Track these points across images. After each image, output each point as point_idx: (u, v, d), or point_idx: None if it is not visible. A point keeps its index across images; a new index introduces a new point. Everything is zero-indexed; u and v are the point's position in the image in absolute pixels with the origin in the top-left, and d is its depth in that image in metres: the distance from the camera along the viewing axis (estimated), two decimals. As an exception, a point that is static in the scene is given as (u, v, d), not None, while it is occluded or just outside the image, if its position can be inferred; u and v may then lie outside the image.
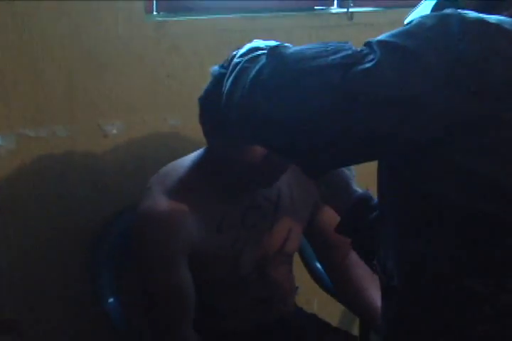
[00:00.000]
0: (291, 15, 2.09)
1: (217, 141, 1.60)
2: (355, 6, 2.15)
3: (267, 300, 1.77)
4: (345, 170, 1.48)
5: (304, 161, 1.21)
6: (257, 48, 1.25)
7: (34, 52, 1.79)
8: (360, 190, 1.46)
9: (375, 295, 1.80)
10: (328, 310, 2.19)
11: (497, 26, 1.04)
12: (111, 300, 1.83)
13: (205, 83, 1.97)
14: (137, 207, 1.64)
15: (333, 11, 2.15)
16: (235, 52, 1.46)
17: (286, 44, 1.33)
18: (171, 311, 1.60)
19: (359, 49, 1.09)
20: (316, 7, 2.15)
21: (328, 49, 1.10)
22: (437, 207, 1.08)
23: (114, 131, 1.91)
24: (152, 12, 1.95)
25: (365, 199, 1.43)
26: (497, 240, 1.07)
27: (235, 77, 1.19)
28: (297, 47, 1.16)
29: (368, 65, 1.04)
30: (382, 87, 1.04)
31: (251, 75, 1.14)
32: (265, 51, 1.19)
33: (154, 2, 1.95)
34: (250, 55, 1.21)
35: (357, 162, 1.20)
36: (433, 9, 1.18)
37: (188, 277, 1.60)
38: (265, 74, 1.12)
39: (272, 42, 1.33)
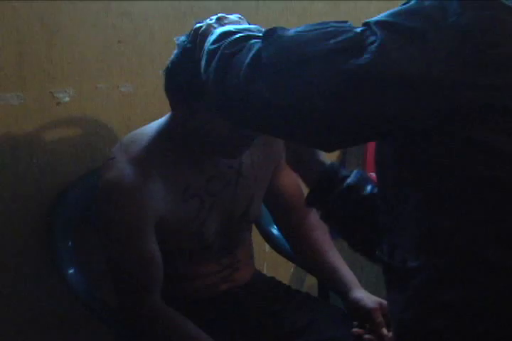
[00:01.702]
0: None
1: (184, 112, 1.57)
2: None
3: (232, 266, 1.79)
4: None
5: (309, 143, 1.22)
6: (230, 33, 1.23)
7: (-18, 18, 1.73)
8: (327, 162, 1.47)
9: (334, 257, 1.85)
10: (278, 273, 2.23)
11: (497, 0, 1.05)
12: (71, 271, 1.80)
13: (155, 49, 1.97)
14: (101, 178, 1.60)
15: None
16: (198, 25, 1.45)
17: (255, 26, 1.32)
18: (139, 280, 1.59)
19: (359, 30, 1.08)
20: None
21: (328, 31, 1.09)
22: (461, 181, 1.07)
23: (67, 99, 1.87)
24: (103, -23, 1.90)
25: (333, 170, 1.43)
26: None
27: (220, 65, 1.17)
28: (294, 30, 1.14)
29: (371, 48, 1.04)
30: (389, 69, 1.03)
31: (246, 61, 1.12)
32: (243, 35, 1.18)
33: (104, -34, 1.91)
34: (229, 40, 1.20)
35: (364, 142, 1.22)
36: None
37: (156, 246, 1.60)
38: (265, 59, 1.10)
39: (242, 26, 1.32)
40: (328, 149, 1.21)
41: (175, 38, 1.56)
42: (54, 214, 1.86)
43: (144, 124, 1.70)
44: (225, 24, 1.37)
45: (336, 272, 1.81)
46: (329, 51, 1.07)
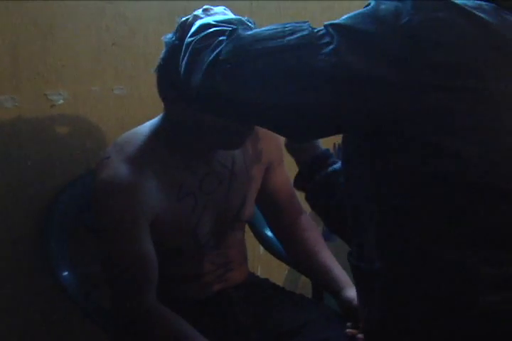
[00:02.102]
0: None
1: (177, 109, 1.58)
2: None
3: (225, 266, 1.79)
4: None
5: (276, 132, 1.24)
6: (208, 25, 1.25)
7: (-24, 20, 1.73)
8: (322, 148, 1.52)
9: (326, 257, 1.85)
10: (272, 275, 2.23)
11: (450, 3, 1.07)
12: (65, 273, 1.80)
13: (149, 51, 1.97)
14: (96, 177, 1.60)
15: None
16: (183, 19, 1.48)
17: (236, 17, 1.34)
18: (134, 280, 1.59)
19: (316, 30, 1.11)
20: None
21: (286, 29, 1.12)
22: (415, 183, 1.09)
23: (61, 101, 1.87)
24: (96, -21, 1.91)
25: (324, 156, 1.49)
26: (482, 212, 1.08)
27: (189, 59, 1.21)
28: (256, 29, 1.18)
29: (326, 50, 1.06)
30: (341, 71, 1.06)
31: (209, 58, 1.15)
32: (217, 29, 1.21)
33: (98, -31, 1.91)
34: (202, 34, 1.22)
35: (322, 136, 1.24)
36: None
37: (151, 245, 1.60)
38: (223, 55, 1.13)
39: (221, 17, 1.34)
40: (294, 140, 1.30)
41: (163, 37, 1.57)
42: (49, 216, 1.86)
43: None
44: (211, 15, 1.39)
45: (328, 272, 1.82)
46: (282, 47, 1.10)
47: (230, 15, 1.40)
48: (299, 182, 1.53)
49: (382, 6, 1.07)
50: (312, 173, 1.48)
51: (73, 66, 1.88)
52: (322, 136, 1.26)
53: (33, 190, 1.87)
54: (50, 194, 1.88)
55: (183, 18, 1.48)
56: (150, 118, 1.70)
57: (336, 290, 1.78)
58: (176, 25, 1.51)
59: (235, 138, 1.61)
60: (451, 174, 1.07)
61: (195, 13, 1.43)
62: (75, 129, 1.92)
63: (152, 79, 1.61)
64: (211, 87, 1.14)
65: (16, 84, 1.80)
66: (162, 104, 1.61)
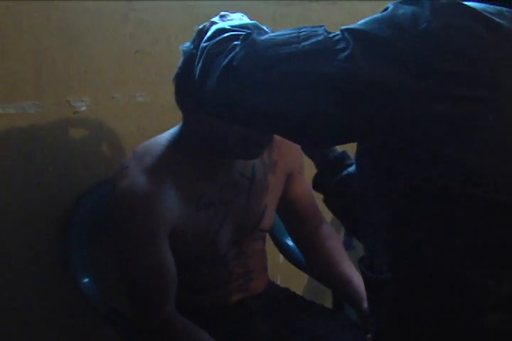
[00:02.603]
0: (256, -9, 2.09)
1: (195, 118, 1.58)
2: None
3: (245, 276, 1.78)
4: None
5: (288, 137, 1.22)
6: (223, 30, 1.24)
7: (1, 28, 1.73)
8: (339, 150, 1.51)
9: (347, 267, 1.84)
10: (292, 284, 2.22)
11: (469, 8, 1.04)
12: (86, 280, 1.81)
13: (172, 59, 1.96)
14: (114, 187, 1.60)
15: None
16: (201, 27, 1.47)
17: (252, 22, 1.33)
18: (152, 290, 1.59)
19: (331, 35, 1.08)
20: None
21: (301, 35, 1.10)
22: (428, 193, 1.07)
23: (84, 108, 1.87)
24: (120, -14, 1.91)
25: (341, 158, 1.48)
26: (492, 227, 1.06)
27: (204, 63, 1.19)
28: (271, 34, 1.16)
29: (341, 56, 1.04)
30: (357, 78, 1.04)
31: (223, 63, 1.13)
32: (232, 33, 1.19)
33: (122, -23, 1.92)
34: (217, 39, 1.21)
35: (336, 144, 1.26)
36: None
37: (169, 255, 1.59)
38: (237, 61, 1.11)
39: (237, 22, 1.34)
40: (306, 146, 1.27)
41: (180, 46, 1.57)
42: (69, 222, 1.86)
43: (160, 134, 1.70)
44: (227, 21, 1.38)
45: (349, 282, 1.80)
46: (297, 53, 1.08)
47: (246, 21, 1.39)
48: (318, 184, 1.52)
49: (400, 11, 1.05)
50: (329, 176, 1.47)
51: (96, 73, 1.88)
52: (334, 145, 1.25)
53: (54, 196, 1.88)
54: (71, 200, 1.88)
55: (201, 26, 1.48)
56: (171, 126, 1.70)
57: (356, 301, 1.76)
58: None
59: (253, 148, 1.60)
60: (459, 186, 1.05)
61: (212, 19, 1.43)
62: (96, 136, 1.92)
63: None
64: (225, 92, 1.13)
65: (39, 90, 1.81)
66: (184, 112, 1.61)
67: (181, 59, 1.57)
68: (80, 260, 1.83)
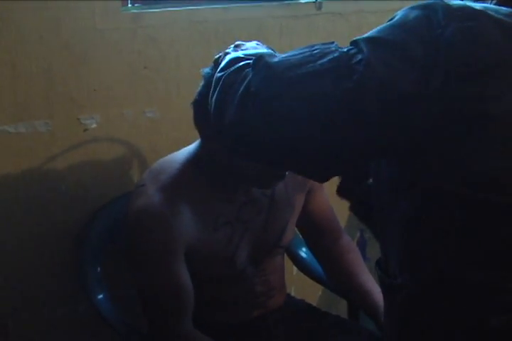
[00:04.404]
0: (262, 6, 2.08)
1: (213, 145, 1.56)
2: (323, -5, 2.17)
3: (266, 294, 1.78)
4: None
5: (307, 172, 1.18)
6: (238, 59, 1.20)
7: (11, 47, 1.75)
8: None
9: (367, 280, 1.84)
10: (306, 296, 2.22)
11: (482, 12, 1.04)
12: (100, 296, 1.81)
13: (181, 75, 1.98)
14: (131, 205, 1.60)
15: (303, 1, 2.17)
16: (216, 57, 1.45)
17: (267, 51, 1.32)
18: (169, 307, 1.59)
19: (345, 49, 1.06)
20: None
21: (314, 53, 1.07)
22: (438, 200, 1.06)
23: (94, 125, 1.89)
24: (127, 4, 1.92)
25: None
26: (499, 231, 1.05)
27: (220, 94, 1.15)
28: (282, 55, 1.12)
29: (359, 68, 1.02)
30: (377, 86, 1.01)
31: (240, 91, 1.09)
32: (247, 62, 1.15)
33: (129, -6, 1.93)
34: (232, 69, 1.17)
35: (360, 167, 1.20)
36: None
37: (186, 274, 1.58)
38: (254, 87, 1.07)
39: (252, 51, 1.31)
40: (326, 177, 1.16)
41: (201, 70, 1.56)
42: (83, 240, 1.87)
43: (172, 150, 1.70)
44: (242, 50, 1.35)
45: (368, 295, 1.80)
46: (315, 73, 1.04)
47: (261, 49, 1.37)
48: (341, 191, 1.46)
49: (412, 15, 1.04)
50: (351, 183, 1.43)
51: (105, 90, 1.89)
52: (349, 171, 1.23)
53: (67, 214, 1.89)
54: (85, 217, 1.89)
55: (216, 56, 1.45)
56: (182, 141, 1.71)
57: (375, 314, 1.76)
58: (209, 51, 1.50)
59: (266, 182, 1.60)
60: (470, 194, 1.03)
61: (227, 50, 1.39)
62: (108, 152, 1.93)
63: (184, 101, 1.62)
64: (244, 122, 1.08)
65: (50, 109, 1.82)
66: (194, 127, 1.60)
67: (201, 84, 1.55)
68: (94, 275, 1.83)
